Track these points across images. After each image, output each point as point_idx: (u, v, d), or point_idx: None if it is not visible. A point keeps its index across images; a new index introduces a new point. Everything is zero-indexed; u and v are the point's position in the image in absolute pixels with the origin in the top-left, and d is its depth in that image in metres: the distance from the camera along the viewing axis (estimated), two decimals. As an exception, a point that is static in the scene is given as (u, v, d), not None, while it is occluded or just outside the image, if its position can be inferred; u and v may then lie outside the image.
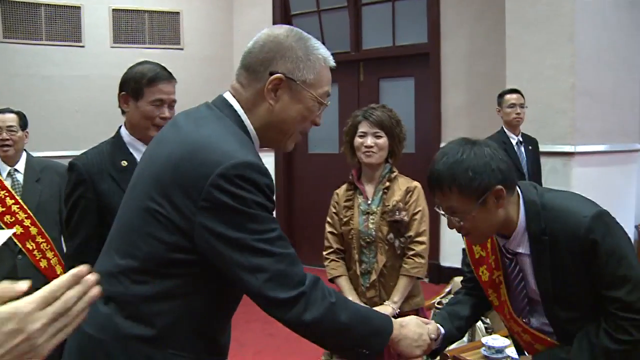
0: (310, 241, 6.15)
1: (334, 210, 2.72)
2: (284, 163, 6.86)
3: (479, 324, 3.14)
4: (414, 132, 5.93)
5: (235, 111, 1.47)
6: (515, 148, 4.24)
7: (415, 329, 1.61)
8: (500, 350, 2.43)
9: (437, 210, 1.66)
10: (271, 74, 1.42)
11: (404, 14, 6.08)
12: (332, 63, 1.49)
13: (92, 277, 0.86)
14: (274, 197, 1.38)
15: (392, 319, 1.56)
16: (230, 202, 1.30)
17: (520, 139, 4.27)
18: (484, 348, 2.55)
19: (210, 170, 1.31)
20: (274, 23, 6.72)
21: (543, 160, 4.35)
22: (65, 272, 2.63)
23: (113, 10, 6.45)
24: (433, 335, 1.66)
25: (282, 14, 6.79)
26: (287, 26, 1.51)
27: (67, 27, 6.29)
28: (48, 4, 6.15)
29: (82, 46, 6.36)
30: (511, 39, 4.65)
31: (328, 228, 2.74)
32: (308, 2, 6.66)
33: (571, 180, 4.26)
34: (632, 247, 1.61)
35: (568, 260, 1.57)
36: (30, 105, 4.68)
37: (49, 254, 3.04)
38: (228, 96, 1.49)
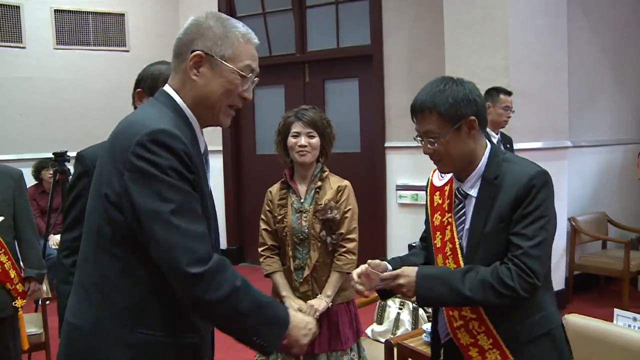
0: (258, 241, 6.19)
1: (268, 208, 2.79)
2: (232, 164, 6.91)
3: (422, 312, 3.30)
4: (359, 132, 6.06)
5: (171, 97, 1.56)
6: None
7: (302, 317, 1.67)
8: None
9: (415, 139, 1.86)
10: (192, 51, 1.52)
11: (348, 17, 6.17)
12: (254, 40, 1.59)
13: None
14: (194, 167, 1.46)
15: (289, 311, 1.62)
16: (147, 167, 1.39)
17: (500, 138, 4.31)
18: (424, 334, 2.71)
19: (130, 141, 1.41)
20: (220, 25, 6.78)
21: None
22: (21, 271, 2.62)
23: (55, 10, 6.40)
24: (314, 329, 1.73)
25: (228, 15, 6.78)
26: (211, 11, 1.60)
27: (6, 27, 6.19)
28: (-16, 4, 6.04)
29: (24, 47, 6.29)
30: (449, 41, 4.80)
31: (262, 225, 2.80)
32: (253, 5, 6.67)
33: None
34: (555, 216, 1.76)
35: (504, 205, 1.73)
36: None
37: (3, 258, 3.03)
38: (166, 87, 1.60)
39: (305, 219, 2.67)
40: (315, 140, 2.67)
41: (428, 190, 2.01)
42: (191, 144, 1.48)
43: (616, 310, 2.81)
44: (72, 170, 4.76)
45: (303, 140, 2.66)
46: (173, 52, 1.59)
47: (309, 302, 2.60)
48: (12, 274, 3.07)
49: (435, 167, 1.90)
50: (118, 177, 1.43)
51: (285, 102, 6.55)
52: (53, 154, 4.87)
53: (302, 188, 2.73)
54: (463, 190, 1.85)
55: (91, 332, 1.46)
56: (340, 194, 2.68)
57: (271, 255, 2.75)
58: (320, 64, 6.42)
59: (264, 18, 6.63)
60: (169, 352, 1.48)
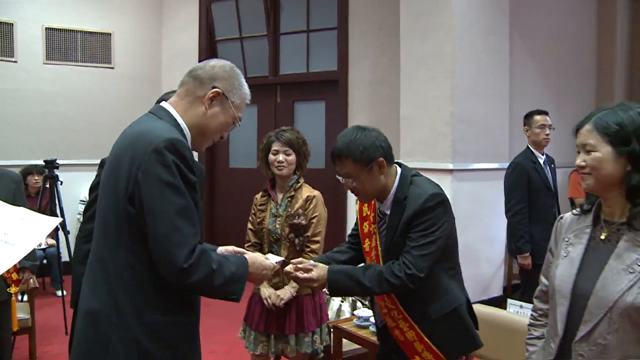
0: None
1: (253, 212, 3.29)
2: (207, 177, 7.28)
3: (359, 304, 3.93)
4: (324, 150, 6.43)
5: (171, 114, 1.84)
6: (543, 167, 4.46)
7: (258, 264, 1.93)
8: (366, 319, 3.23)
9: (338, 177, 2.27)
10: (213, 87, 1.85)
11: (317, 44, 6.60)
12: (249, 100, 1.98)
13: None
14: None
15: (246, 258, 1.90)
16: (159, 171, 1.65)
17: (545, 159, 4.49)
18: (356, 319, 3.33)
19: (147, 148, 1.67)
20: (200, 47, 7.20)
21: (426, 175, 5.10)
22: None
23: (46, 28, 6.77)
24: (275, 262, 2.09)
25: (208, 39, 7.19)
26: (232, 64, 1.96)
27: (0, 43, 6.54)
28: (-20, 20, 6.38)
29: (15, 61, 6.63)
30: (404, 72, 5.32)
31: (249, 225, 3.30)
32: (231, 30, 7.07)
33: (450, 192, 4.98)
34: (447, 225, 2.23)
35: (406, 220, 2.20)
36: None
37: None
38: (165, 104, 1.88)
39: (278, 222, 3.15)
40: (292, 157, 3.16)
41: (357, 202, 2.48)
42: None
43: (509, 300, 3.45)
44: (59, 177, 5.23)
45: (281, 157, 3.14)
46: (192, 74, 1.88)
47: (277, 291, 3.10)
48: (11, 269, 3.47)
49: None
50: (133, 177, 1.67)
51: (257, 121, 6.95)
52: (44, 161, 5.32)
53: (279, 196, 3.21)
54: (381, 211, 2.35)
55: (112, 315, 1.71)
56: (309, 202, 3.15)
57: (253, 251, 3.24)
58: (291, 86, 6.81)
59: (240, 42, 7.04)
60: (173, 328, 1.77)
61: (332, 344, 3.39)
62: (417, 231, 2.18)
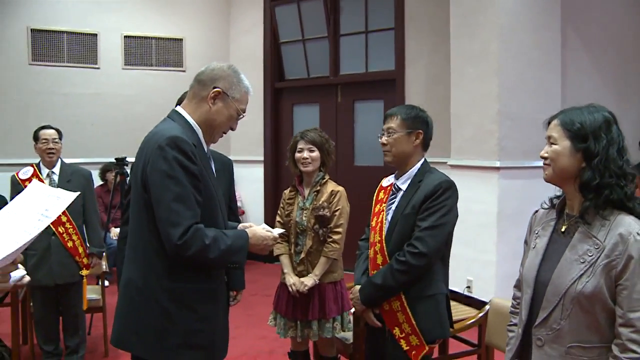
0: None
1: (282, 205, 3.52)
2: (272, 172, 7.57)
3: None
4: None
5: (182, 115, 2.13)
6: None
7: (259, 236, 2.17)
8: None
9: (379, 139, 2.60)
10: (214, 87, 2.11)
11: (375, 45, 6.75)
12: (250, 92, 2.20)
13: None
14: (198, 161, 2.00)
15: (246, 231, 2.16)
16: (162, 164, 1.94)
17: None
18: None
19: (154, 146, 1.98)
20: (265, 49, 7.52)
21: (474, 173, 5.17)
22: (86, 248, 3.55)
23: (125, 36, 7.30)
24: (270, 241, 2.24)
25: (272, 41, 7.49)
26: (230, 63, 2.21)
27: (85, 51, 7.14)
28: (69, 32, 7.03)
29: (98, 68, 7.21)
30: (454, 70, 5.40)
31: (277, 218, 3.54)
32: (294, 33, 7.34)
33: (496, 190, 5.00)
34: (454, 211, 2.52)
35: (419, 199, 2.48)
36: (50, 119, 5.36)
37: (74, 237, 3.96)
38: (178, 108, 2.17)
39: (305, 215, 3.36)
40: (316, 154, 3.36)
41: (377, 190, 2.76)
42: (197, 147, 2.04)
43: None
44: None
45: (305, 154, 3.35)
46: (196, 79, 2.14)
47: (301, 278, 3.31)
48: (80, 249, 3.98)
49: (385, 177, 2.74)
50: (145, 170, 2.00)
51: (319, 119, 7.18)
52: (115, 158, 5.77)
53: (306, 191, 3.43)
54: (397, 185, 2.62)
55: (141, 283, 2.05)
56: (333, 196, 3.34)
57: (281, 242, 3.41)
58: (351, 86, 7.01)
59: (303, 44, 7.30)
60: (193, 293, 2.06)
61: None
62: (429, 213, 2.46)
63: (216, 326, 2.17)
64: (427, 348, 2.49)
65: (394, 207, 2.59)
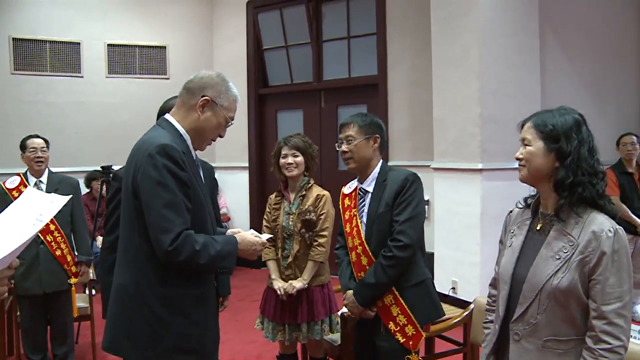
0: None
1: (268, 210, 3.56)
2: (256, 178, 7.58)
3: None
4: None
5: (171, 123, 2.14)
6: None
7: (248, 241, 2.20)
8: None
9: (337, 147, 2.75)
10: (203, 96, 2.13)
11: (358, 50, 6.82)
12: (239, 100, 2.22)
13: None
14: (187, 168, 2.03)
15: (235, 237, 2.18)
16: (151, 172, 1.97)
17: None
18: None
19: (144, 153, 2.01)
20: (248, 56, 7.55)
21: (457, 175, 5.24)
22: (74, 256, 3.58)
23: (108, 45, 7.30)
24: (258, 247, 2.27)
25: (255, 48, 7.53)
26: (218, 71, 2.23)
27: (68, 60, 7.13)
28: (52, 40, 7.02)
29: (81, 77, 7.21)
30: (436, 74, 5.47)
31: (264, 223, 3.57)
32: (277, 39, 7.40)
33: (479, 192, 5.07)
34: (424, 209, 2.64)
35: (389, 196, 2.63)
36: (34, 128, 5.29)
37: (62, 246, 3.98)
38: (167, 116, 2.19)
39: (291, 219, 3.40)
40: (300, 159, 3.39)
41: (340, 198, 2.89)
42: (186, 154, 2.06)
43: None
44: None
45: (290, 159, 3.39)
46: (185, 87, 2.16)
47: (290, 282, 3.34)
48: (69, 258, 4.00)
49: (344, 185, 2.89)
50: (135, 177, 2.02)
51: (303, 124, 7.22)
52: (101, 167, 5.77)
53: (291, 196, 3.46)
54: (363, 189, 2.75)
55: (132, 288, 2.07)
56: (318, 200, 3.38)
57: (268, 247, 3.45)
58: (334, 91, 7.07)
59: (286, 51, 7.35)
60: (184, 298, 2.08)
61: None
62: (403, 207, 2.61)
63: (207, 330, 2.20)
64: (423, 335, 2.62)
65: (365, 209, 2.71)
